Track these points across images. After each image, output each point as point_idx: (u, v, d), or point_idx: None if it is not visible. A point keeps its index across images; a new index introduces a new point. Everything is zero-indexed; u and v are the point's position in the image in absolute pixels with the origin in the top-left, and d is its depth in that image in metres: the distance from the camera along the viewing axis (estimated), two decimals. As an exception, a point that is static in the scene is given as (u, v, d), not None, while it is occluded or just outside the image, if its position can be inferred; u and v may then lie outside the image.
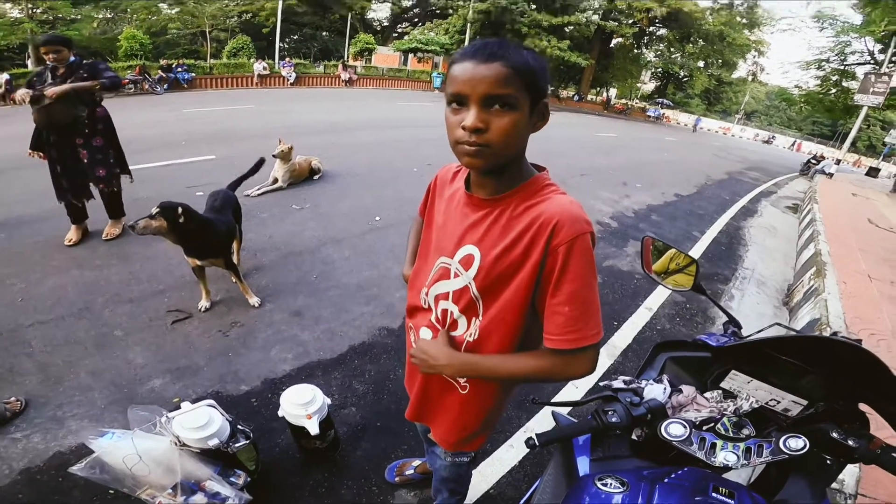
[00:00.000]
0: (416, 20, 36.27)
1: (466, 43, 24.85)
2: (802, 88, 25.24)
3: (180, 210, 2.38)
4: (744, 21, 29.09)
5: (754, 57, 32.65)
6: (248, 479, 1.65)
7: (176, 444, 1.51)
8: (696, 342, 1.12)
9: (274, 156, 4.91)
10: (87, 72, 3.12)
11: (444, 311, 1.00)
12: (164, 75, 15.52)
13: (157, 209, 2.34)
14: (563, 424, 0.93)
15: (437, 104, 17.29)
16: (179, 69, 16.25)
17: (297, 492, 1.78)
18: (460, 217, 0.94)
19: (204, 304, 2.82)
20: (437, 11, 31.37)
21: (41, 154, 3.29)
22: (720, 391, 0.98)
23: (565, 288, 0.81)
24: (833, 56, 21.70)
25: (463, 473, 1.39)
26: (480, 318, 0.94)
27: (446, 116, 0.81)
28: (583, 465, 0.98)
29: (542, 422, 2.25)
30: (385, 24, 38.02)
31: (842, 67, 21.50)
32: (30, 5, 19.39)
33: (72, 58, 3.12)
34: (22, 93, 2.93)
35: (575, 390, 2.49)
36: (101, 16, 25.13)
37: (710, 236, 5.72)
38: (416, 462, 1.88)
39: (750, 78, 36.88)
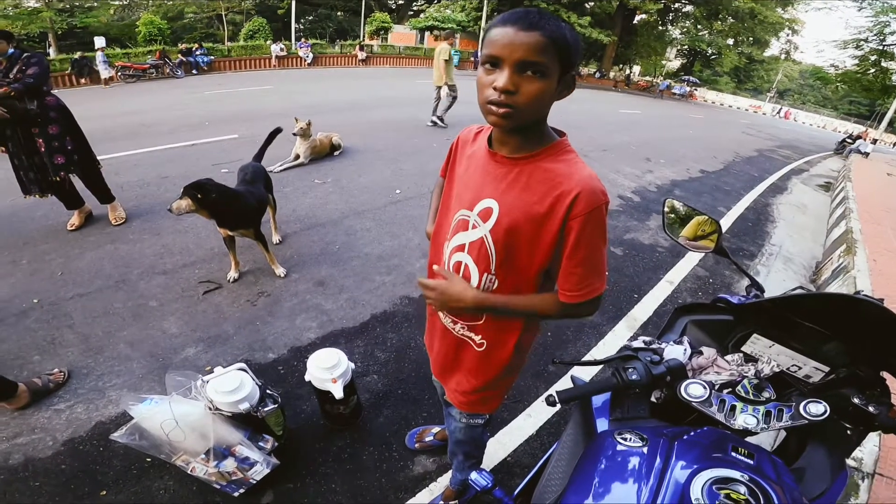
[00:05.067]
0: (431, -3, 35.53)
1: (483, 20, 24.46)
2: (839, 67, 24.13)
3: (213, 188, 2.45)
4: None
5: (788, 35, 31.04)
6: (276, 444, 1.70)
7: (210, 408, 1.57)
8: (717, 301, 1.12)
9: (294, 134, 4.97)
10: (25, 65, 3.05)
11: (458, 264, 1.04)
12: (184, 59, 15.70)
13: (188, 188, 2.41)
14: (576, 385, 0.95)
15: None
16: (198, 53, 16.40)
17: (321, 457, 1.84)
18: (482, 172, 0.97)
19: (233, 274, 2.91)
20: (454, -12, 30.60)
21: (3, 148, 3.24)
22: (741, 354, 0.98)
23: (580, 253, 0.89)
24: (872, 36, 20.64)
25: (478, 437, 1.41)
26: (493, 272, 0.98)
27: (479, 76, 0.84)
28: (602, 425, 0.99)
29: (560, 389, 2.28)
30: (400, 2, 37.38)
31: (881, 48, 20.44)
32: (46, -7, 19.62)
33: (10, 50, 3.05)
34: None
35: (590, 358, 2.51)
36: (117, 2, 25.23)
37: (737, 212, 5.60)
38: (436, 429, 1.93)
39: (783, 56, 35.10)
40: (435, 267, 1.14)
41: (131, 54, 15.78)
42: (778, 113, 28.95)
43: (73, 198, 3.50)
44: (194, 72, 15.83)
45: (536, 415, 2.12)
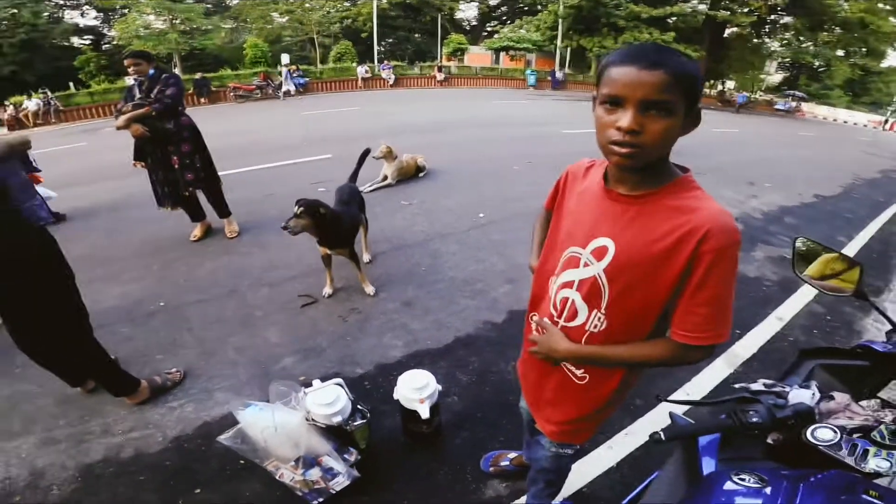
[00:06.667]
0: (504, 18, 36.03)
1: (559, 39, 24.24)
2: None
3: (322, 210, 2.62)
4: (888, 7, 24.38)
5: None
6: (359, 457, 1.74)
7: (307, 418, 1.66)
8: (855, 349, 1.04)
9: (375, 157, 5.15)
10: (164, 85, 3.26)
11: (565, 300, 1.03)
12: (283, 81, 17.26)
13: (301, 209, 2.57)
14: (681, 424, 0.91)
15: (532, 102, 17.03)
16: (296, 74, 17.92)
17: (398, 473, 1.87)
18: (596, 210, 0.96)
19: (328, 290, 3.09)
20: (526, 8, 30.76)
21: (143, 164, 3.54)
22: (879, 400, 0.90)
23: (707, 292, 0.84)
24: None
25: (563, 466, 1.38)
26: (603, 309, 0.96)
27: (598, 116, 0.84)
28: (708, 465, 0.93)
29: (645, 425, 2.14)
30: (474, 23, 38.32)
31: None
32: (170, 17, 22.26)
33: (151, 71, 3.26)
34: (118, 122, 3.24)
35: (685, 395, 2.35)
36: (226, 26, 27.87)
37: (860, 242, 4.97)
38: (512, 454, 1.89)
39: (903, 67, 30.95)
40: (533, 318, 1.15)
41: (240, 76, 17.66)
42: (884, 125, 25.37)
43: (198, 211, 3.90)
44: (292, 93, 17.33)
45: (618, 447, 2.01)
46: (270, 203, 4.73)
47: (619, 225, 0.91)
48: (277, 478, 1.65)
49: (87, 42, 27.48)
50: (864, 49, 26.02)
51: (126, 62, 3.29)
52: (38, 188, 4.29)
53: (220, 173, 3.97)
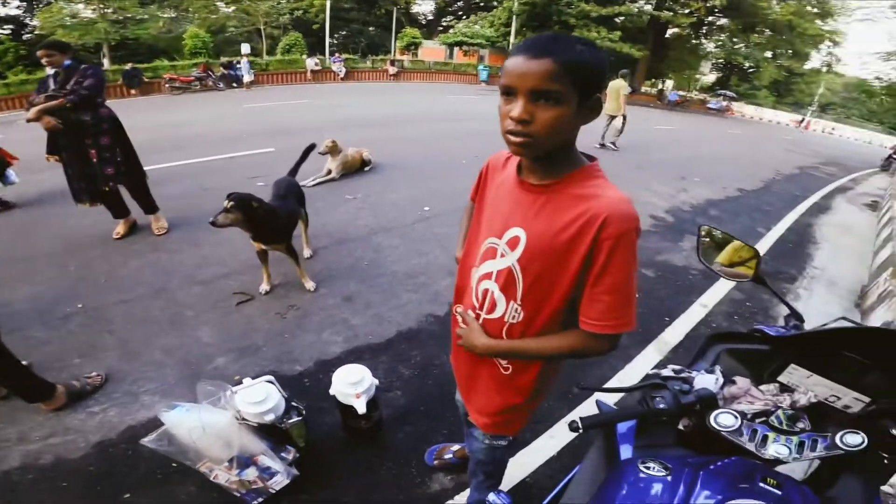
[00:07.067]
0: (460, 13, 36.17)
1: (512, 36, 24.65)
2: (884, 80, 22.92)
3: (255, 204, 2.53)
4: (815, 10, 26.67)
5: (829, 47, 29.93)
6: (297, 455, 1.73)
7: (237, 418, 1.61)
8: (753, 332, 1.09)
9: (321, 153, 5.04)
10: (81, 77, 3.13)
11: (485, 291, 1.04)
12: (225, 72, 16.45)
13: (232, 203, 2.46)
14: (604, 411, 0.94)
15: (483, 97, 17.15)
16: (239, 66, 17.12)
17: (340, 469, 1.86)
18: (510, 200, 0.97)
19: (265, 287, 2.99)
20: (482, 4, 31.01)
21: (57, 157, 3.36)
22: (777, 384, 0.95)
23: (608, 279, 0.86)
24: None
25: (499, 458, 1.40)
26: (519, 300, 0.98)
27: (499, 105, 0.85)
28: (626, 451, 0.97)
29: (585, 413, 2.22)
30: (430, 17, 38.18)
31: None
32: (101, 6, 20.66)
33: (67, 62, 3.13)
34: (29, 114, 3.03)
35: (619, 384, 2.45)
36: (165, 15, 26.21)
37: (777, 233, 5.35)
38: (456, 447, 1.91)
39: (824, 69, 33.81)
40: (457, 308, 1.16)
41: (177, 67, 16.66)
42: (801, 123, 27.53)
43: (120, 207, 3.67)
44: (234, 85, 16.57)
45: (558, 436, 2.08)
46: (205, 198, 4.51)
47: (530, 215, 0.92)
48: (212, 479, 1.60)
49: (7, 32, 24.90)
50: (790, 51, 28.14)
51: (39, 53, 3.10)
52: (9, 171, 4.35)
53: (150, 167, 3.78)
